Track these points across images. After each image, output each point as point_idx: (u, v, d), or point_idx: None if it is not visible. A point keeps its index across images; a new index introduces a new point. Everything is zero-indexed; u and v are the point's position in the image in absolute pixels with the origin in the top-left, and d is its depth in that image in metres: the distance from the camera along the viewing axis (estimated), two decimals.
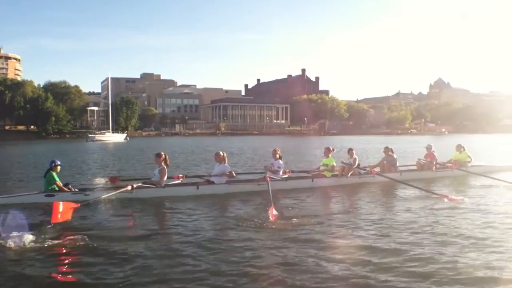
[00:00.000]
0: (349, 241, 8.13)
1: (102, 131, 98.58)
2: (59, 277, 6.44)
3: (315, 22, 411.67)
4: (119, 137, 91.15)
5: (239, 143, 60.37)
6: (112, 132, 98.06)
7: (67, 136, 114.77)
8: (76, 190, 12.74)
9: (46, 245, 7.69)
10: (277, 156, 15.41)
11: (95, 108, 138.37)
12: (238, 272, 6.48)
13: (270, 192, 11.75)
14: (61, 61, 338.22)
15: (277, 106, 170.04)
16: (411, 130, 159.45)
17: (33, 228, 8.96)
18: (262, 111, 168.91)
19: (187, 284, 6.08)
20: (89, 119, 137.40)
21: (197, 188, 13.55)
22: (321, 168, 16.19)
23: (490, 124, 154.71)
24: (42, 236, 8.21)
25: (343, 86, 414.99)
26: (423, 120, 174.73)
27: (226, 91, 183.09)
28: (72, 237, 8.20)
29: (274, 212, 9.98)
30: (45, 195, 12.09)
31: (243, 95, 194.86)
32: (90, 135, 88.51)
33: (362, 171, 16.44)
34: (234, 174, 14.27)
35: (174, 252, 7.46)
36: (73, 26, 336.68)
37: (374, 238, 8.36)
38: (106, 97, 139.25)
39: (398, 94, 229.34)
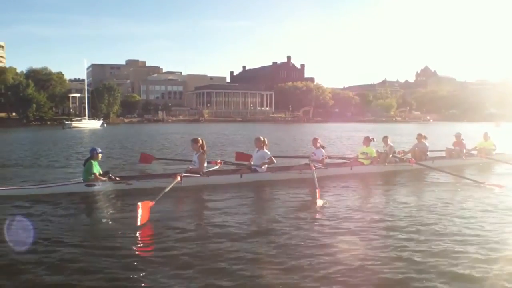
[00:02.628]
0: (404, 233, 8.06)
1: (78, 118, 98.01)
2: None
3: (301, 10, 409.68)
4: (95, 124, 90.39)
5: (220, 130, 60.09)
6: (88, 119, 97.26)
7: (48, 123, 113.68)
8: (117, 178, 12.30)
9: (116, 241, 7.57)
10: (318, 145, 15.44)
11: (78, 95, 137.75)
12: (282, 262, 6.55)
13: (316, 179, 11.98)
14: (46, 47, 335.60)
15: (261, 93, 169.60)
16: (396, 118, 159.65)
17: (75, 220, 8.99)
18: (246, 98, 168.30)
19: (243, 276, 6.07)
20: (71, 105, 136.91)
21: (241, 176, 13.53)
22: (360, 156, 16.22)
23: (476, 113, 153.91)
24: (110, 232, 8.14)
25: (329, 74, 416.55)
26: (408, 108, 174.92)
27: (211, 78, 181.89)
28: (141, 232, 8.12)
29: (319, 198, 10.49)
30: (85, 185, 11.72)
31: (228, 82, 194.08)
32: (66, 122, 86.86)
33: (397, 159, 16.56)
34: (274, 161, 14.09)
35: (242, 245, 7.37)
36: (59, 13, 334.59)
37: (429, 227, 8.38)
38: (89, 84, 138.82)
39: (384, 82, 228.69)
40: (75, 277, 5.98)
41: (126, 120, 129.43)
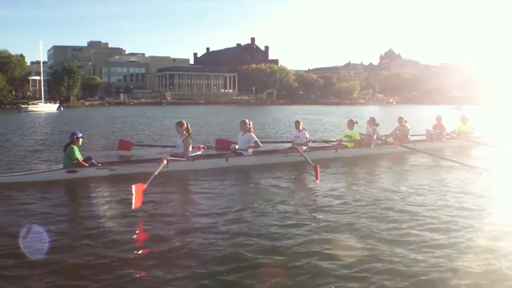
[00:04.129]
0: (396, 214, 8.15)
1: (35, 102, 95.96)
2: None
3: None
4: (52, 107, 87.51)
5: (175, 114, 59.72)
6: (45, 102, 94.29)
7: (8, 107, 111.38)
8: (99, 164, 11.83)
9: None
10: (300, 127, 15.26)
11: (37, 78, 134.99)
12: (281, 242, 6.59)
13: (308, 158, 12.36)
14: (6, 29, 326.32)
15: (225, 75, 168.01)
16: (359, 100, 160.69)
17: (58, 208, 8.55)
18: (209, 80, 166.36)
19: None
20: (31, 89, 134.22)
21: (227, 160, 13.36)
22: (344, 139, 16.25)
23: (438, 96, 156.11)
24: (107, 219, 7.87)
25: (293, 56, 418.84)
26: (371, 90, 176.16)
27: (174, 60, 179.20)
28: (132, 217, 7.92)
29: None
30: (67, 171, 11.21)
31: (191, 64, 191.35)
32: (22, 106, 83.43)
33: (380, 141, 16.72)
34: (260, 144, 13.98)
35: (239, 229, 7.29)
36: None
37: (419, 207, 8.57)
38: (50, 66, 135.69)
39: (348, 64, 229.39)
40: (69, 274, 5.53)
41: (87, 103, 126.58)
